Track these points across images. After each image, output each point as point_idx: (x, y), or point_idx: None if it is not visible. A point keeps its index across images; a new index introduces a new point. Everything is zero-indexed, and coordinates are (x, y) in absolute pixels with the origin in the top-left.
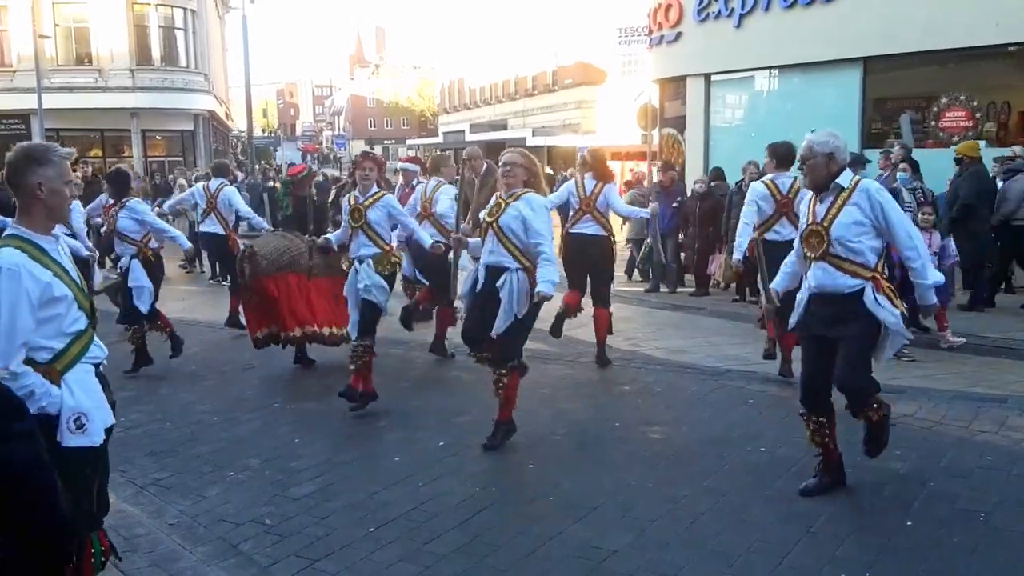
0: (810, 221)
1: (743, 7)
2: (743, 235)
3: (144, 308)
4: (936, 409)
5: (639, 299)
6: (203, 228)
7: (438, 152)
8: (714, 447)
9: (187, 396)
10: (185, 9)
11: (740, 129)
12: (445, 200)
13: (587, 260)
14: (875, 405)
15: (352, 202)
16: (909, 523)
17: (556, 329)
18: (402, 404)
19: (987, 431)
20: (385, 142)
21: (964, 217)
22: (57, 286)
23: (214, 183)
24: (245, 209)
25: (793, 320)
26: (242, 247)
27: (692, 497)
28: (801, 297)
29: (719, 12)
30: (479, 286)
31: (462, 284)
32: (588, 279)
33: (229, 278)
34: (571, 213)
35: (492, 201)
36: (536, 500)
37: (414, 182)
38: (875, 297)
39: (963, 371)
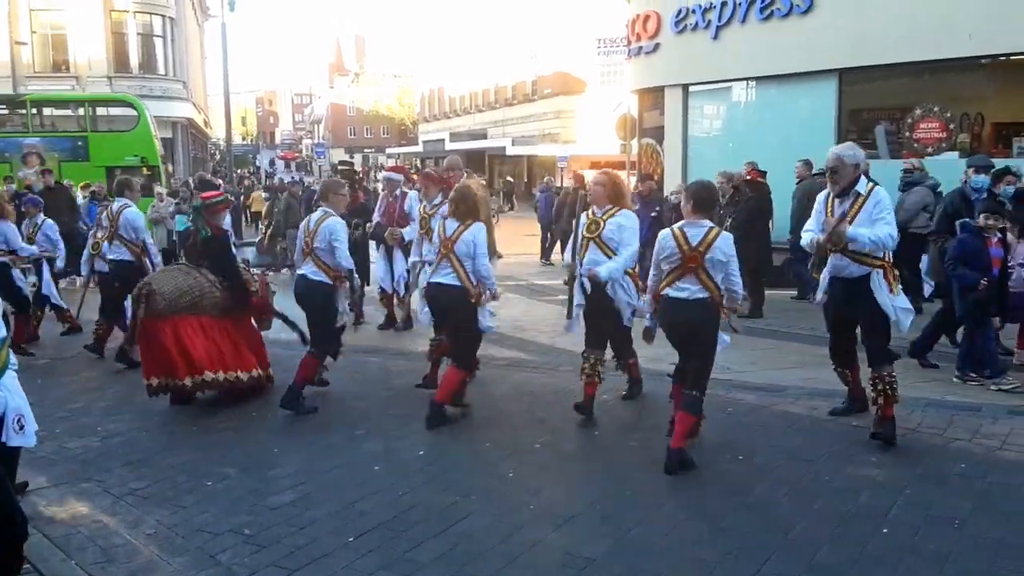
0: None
1: (720, 19)
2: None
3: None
4: (911, 417)
5: None
6: (108, 256)
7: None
8: (693, 454)
9: (164, 405)
10: (164, 16)
11: (718, 139)
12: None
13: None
14: (887, 375)
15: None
16: (885, 530)
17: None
18: (382, 413)
19: (961, 439)
20: (365, 150)
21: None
22: None
23: (117, 204)
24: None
25: (819, 296)
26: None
27: (671, 505)
28: (824, 277)
29: (696, 24)
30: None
31: None
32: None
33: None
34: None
35: (588, 220)
36: (516, 508)
37: (397, 191)
38: (880, 282)
39: (938, 379)
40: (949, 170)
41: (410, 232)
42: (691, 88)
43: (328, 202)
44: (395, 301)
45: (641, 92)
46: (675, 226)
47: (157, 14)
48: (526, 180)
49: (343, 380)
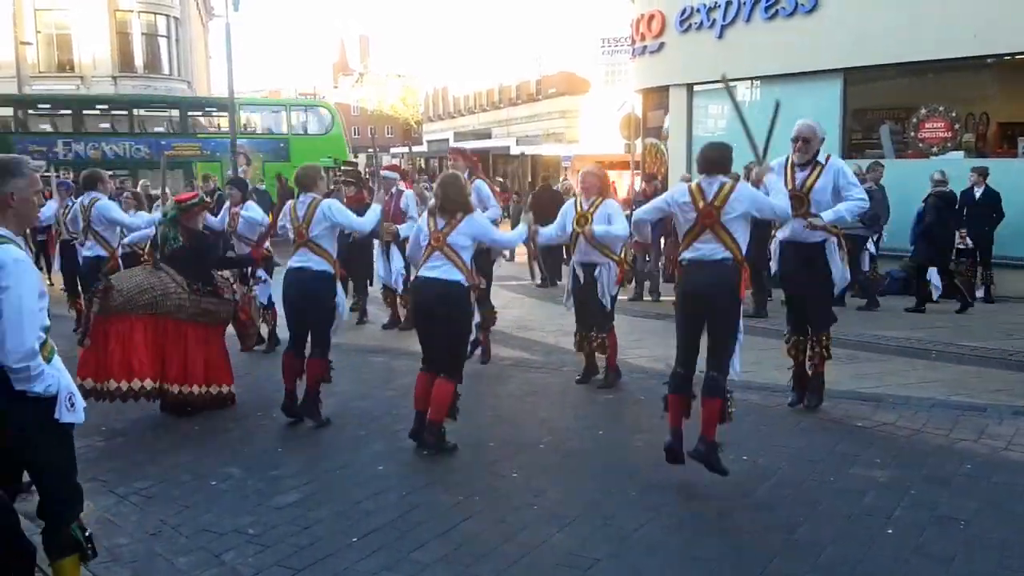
0: (791, 188)
1: (725, 18)
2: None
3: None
4: (916, 417)
5: (622, 308)
6: (84, 252)
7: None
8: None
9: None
10: (168, 16)
11: (722, 138)
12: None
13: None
14: (827, 337)
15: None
16: (890, 531)
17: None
18: (386, 413)
19: (967, 439)
20: (369, 150)
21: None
22: (42, 282)
23: (86, 198)
24: (127, 219)
25: (773, 266)
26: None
27: (674, 505)
28: (775, 247)
29: (701, 23)
30: (581, 282)
31: None
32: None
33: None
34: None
35: (577, 214)
36: (520, 509)
37: (393, 190)
38: (834, 249)
39: (943, 380)
40: (955, 170)
41: (406, 229)
42: (695, 88)
43: (316, 189)
44: (398, 300)
45: (645, 92)
46: (692, 183)
47: (162, 14)
48: (530, 180)
49: (347, 380)
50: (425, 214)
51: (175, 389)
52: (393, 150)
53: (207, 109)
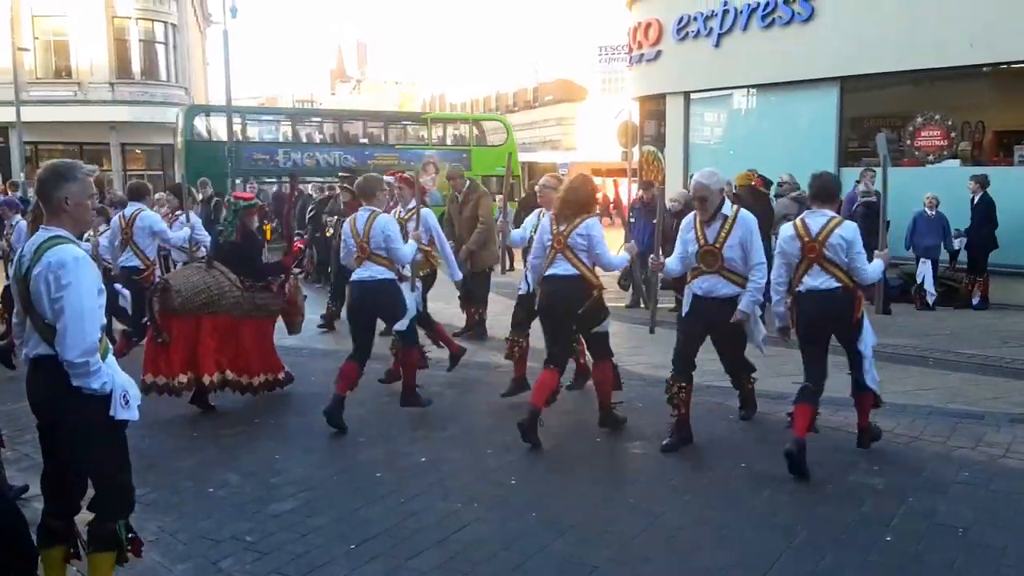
0: (702, 243)
1: (722, 27)
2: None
3: None
4: (914, 425)
5: (619, 315)
6: (120, 262)
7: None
8: (694, 462)
9: (167, 411)
10: (166, 23)
11: (719, 147)
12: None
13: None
14: (751, 376)
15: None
16: (888, 538)
17: None
18: (384, 419)
19: (964, 447)
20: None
21: None
22: (100, 280)
23: (130, 208)
24: (169, 232)
25: (684, 309)
26: (156, 279)
27: (673, 512)
28: (688, 294)
29: (698, 31)
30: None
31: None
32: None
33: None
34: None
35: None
36: (518, 516)
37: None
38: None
39: (940, 387)
40: (951, 178)
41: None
42: (692, 96)
43: (375, 200)
44: None
45: (642, 99)
46: (798, 219)
47: (159, 21)
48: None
49: None
50: (548, 217)
51: (238, 379)
52: None
53: (404, 122)
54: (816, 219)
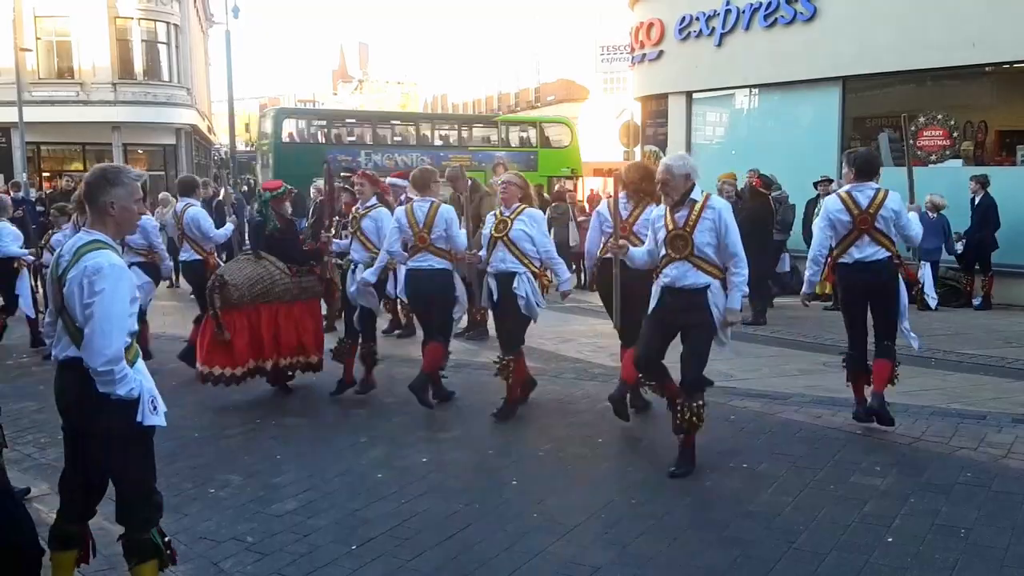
0: (671, 228)
1: (724, 27)
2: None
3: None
4: (916, 425)
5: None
6: (181, 257)
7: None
8: (696, 463)
9: (168, 411)
10: (168, 24)
11: (721, 146)
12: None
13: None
14: (700, 403)
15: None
16: (890, 539)
17: None
18: (385, 420)
19: (966, 447)
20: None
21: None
22: (135, 288)
23: (180, 204)
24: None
25: (651, 305)
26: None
27: (674, 513)
28: (655, 290)
29: (700, 31)
30: (495, 296)
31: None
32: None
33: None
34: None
35: (496, 219)
36: (519, 517)
37: (403, 197)
38: (718, 294)
39: (942, 388)
40: (953, 178)
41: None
42: (695, 95)
43: (430, 191)
44: (399, 306)
45: (644, 99)
46: (841, 190)
47: (162, 21)
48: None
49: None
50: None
51: (305, 359)
52: None
53: (475, 125)
54: (864, 192)
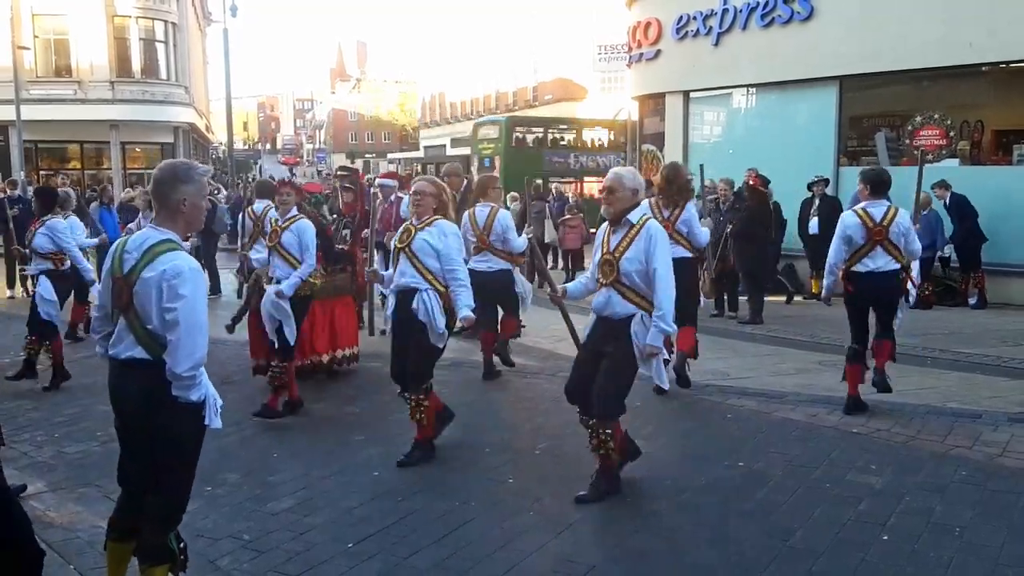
0: (604, 251)
1: (721, 26)
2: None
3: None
4: (911, 424)
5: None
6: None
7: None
8: (692, 461)
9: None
10: (166, 22)
11: (718, 145)
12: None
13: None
14: (608, 431)
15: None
16: (885, 538)
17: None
18: (381, 418)
19: (962, 446)
20: (366, 155)
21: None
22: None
23: (259, 206)
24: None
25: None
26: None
27: (670, 511)
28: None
29: (697, 30)
30: (390, 312)
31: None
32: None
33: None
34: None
35: (401, 228)
36: (516, 514)
37: (392, 198)
38: (643, 323)
39: (938, 386)
40: (950, 177)
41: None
42: (692, 94)
43: (488, 197)
44: None
45: (642, 98)
46: (857, 207)
47: (160, 19)
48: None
49: (342, 385)
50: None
51: (340, 354)
52: (390, 155)
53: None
54: (877, 208)
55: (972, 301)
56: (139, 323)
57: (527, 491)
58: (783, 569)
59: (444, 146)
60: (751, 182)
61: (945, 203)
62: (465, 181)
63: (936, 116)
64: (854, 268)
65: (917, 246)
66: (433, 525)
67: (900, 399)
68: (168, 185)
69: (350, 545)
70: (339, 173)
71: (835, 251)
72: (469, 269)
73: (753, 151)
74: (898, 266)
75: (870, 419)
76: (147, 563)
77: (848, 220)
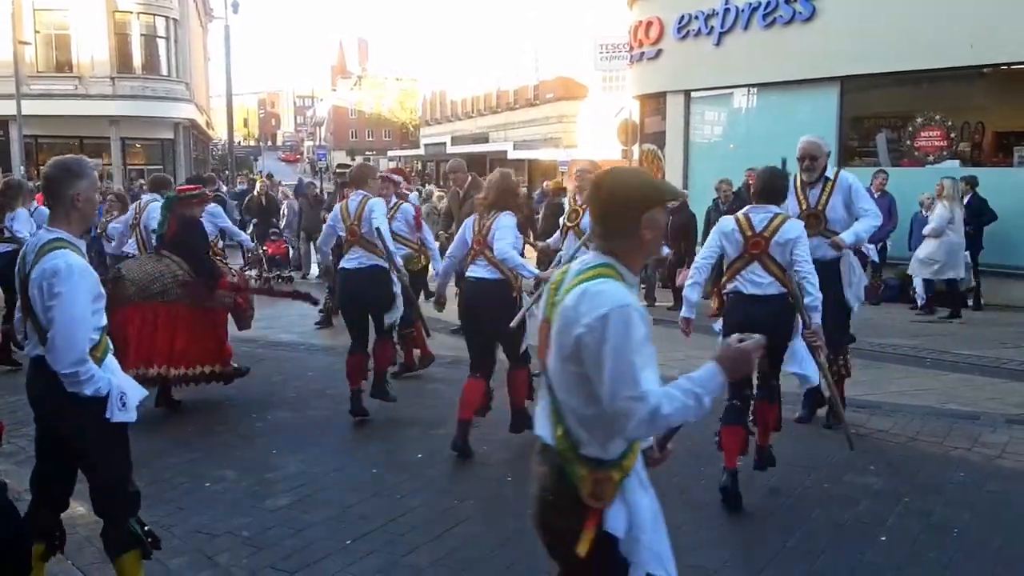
0: (805, 207)
1: (722, 25)
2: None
3: None
4: (910, 425)
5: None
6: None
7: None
8: (691, 461)
9: (165, 409)
10: (167, 18)
11: (719, 145)
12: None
13: None
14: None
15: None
16: (883, 538)
17: None
18: (380, 416)
19: (961, 447)
20: (367, 153)
21: None
22: (98, 284)
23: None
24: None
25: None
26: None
27: (669, 510)
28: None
29: (699, 30)
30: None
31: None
32: None
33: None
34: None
35: (568, 208)
36: (514, 513)
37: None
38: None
39: (937, 388)
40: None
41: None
42: (693, 94)
43: (366, 186)
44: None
45: (643, 98)
46: (739, 212)
47: (161, 15)
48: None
49: (340, 384)
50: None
51: (186, 371)
52: (391, 153)
53: None
54: (761, 215)
55: (971, 303)
56: (37, 322)
57: (526, 489)
58: (783, 569)
59: (444, 144)
60: (751, 182)
61: (967, 201)
62: (469, 178)
63: (937, 117)
64: (727, 289)
65: (810, 270)
66: (431, 523)
67: (900, 400)
68: (62, 181)
69: (348, 542)
70: (338, 171)
71: (702, 260)
72: (464, 278)
73: (754, 151)
74: (783, 290)
75: (869, 420)
76: (115, 552)
77: (724, 225)
